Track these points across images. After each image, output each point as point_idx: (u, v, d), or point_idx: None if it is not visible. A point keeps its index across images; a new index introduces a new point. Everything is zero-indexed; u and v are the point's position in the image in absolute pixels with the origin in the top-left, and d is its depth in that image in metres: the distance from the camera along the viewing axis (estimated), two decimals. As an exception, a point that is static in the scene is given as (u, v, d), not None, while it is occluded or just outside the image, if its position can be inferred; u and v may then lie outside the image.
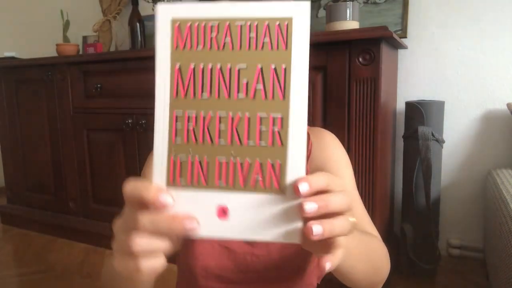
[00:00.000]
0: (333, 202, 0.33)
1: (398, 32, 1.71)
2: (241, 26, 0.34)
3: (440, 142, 1.54)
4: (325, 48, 1.36)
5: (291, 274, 0.69)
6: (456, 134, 1.71)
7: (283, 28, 0.34)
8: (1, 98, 2.33)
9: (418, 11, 1.71)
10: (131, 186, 0.33)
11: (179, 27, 0.35)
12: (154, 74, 0.35)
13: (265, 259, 0.67)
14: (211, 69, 0.35)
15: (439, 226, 1.63)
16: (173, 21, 0.35)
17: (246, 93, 0.35)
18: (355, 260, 0.47)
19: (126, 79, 1.86)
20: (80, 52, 2.34)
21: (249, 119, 0.35)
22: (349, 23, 1.48)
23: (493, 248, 1.26)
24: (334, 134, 0.74)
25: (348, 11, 1.49)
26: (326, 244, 0.35)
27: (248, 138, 0.35)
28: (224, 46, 0.34)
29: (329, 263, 0.34)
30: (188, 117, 0.35)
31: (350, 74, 1.34)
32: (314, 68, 1.39)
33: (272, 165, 0.34)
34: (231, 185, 0.35)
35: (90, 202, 2.09)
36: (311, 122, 1.41)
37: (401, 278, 1.57)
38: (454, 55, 1.68)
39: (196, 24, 0.35)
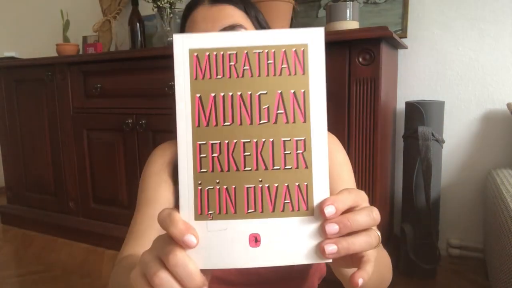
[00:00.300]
0: (357, 220, 0.34)
1: (398, 32, 1.71)
2: (259, 53, 0.35)
3: (440, 142, 1.54)
4: (325, 48, 1.36)
5: (293, 276, 0.69)
6: (456, 134, 1.71)
7: (300, 54, 0.35)
8: (1, 98, 2.33)
9: (418, 11, 1.71)
10: (161, 216, 0.33)
11: (197, 57, 0.35)
12: (175, 105, 0.35)
13: None
14: (232, 97, 0.35)
15: (439, 226, 1.63)
16: (191, 52, 0.35)
17: (268, 118, 0.35)
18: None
19: (126, 79, 1.86)
20: (80, 52, 2.34)
21: (272, 143, 0.35)
22: (349, 23, 1.48)
23: (493, 248, 1.26)
24: (334, 134, 0.74)
25: (348, 11, 1.49)
26: (356, 260, 0.36)
27: (273, 163, 0.35)
28: (243, 73, 0.35)
29: (361, 279, 0.35)
30: (212, 146, 0.35)
31: (350, 74, 1.34)
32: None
33: (299, 187, 0.35)
34: (260, 212, 0.35)
35: (90, 202, 2.09)
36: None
37: (401, 278, 1.57)
38: (454, 55, 1.68)
39: (214, 53, 0.35)
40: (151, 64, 1.77)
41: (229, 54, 0.35)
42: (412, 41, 1.72)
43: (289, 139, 0.35)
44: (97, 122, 1.99)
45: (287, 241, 0.34)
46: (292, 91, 0.35)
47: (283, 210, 0.35)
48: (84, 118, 2.03)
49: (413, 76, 1.76)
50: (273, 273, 0.67)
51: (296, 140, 0.35)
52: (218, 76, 0.35)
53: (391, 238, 1.73)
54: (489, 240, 1.43)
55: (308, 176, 0.35)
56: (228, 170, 0.35)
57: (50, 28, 2.65)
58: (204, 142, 0.35)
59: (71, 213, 2.16)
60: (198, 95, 0.35)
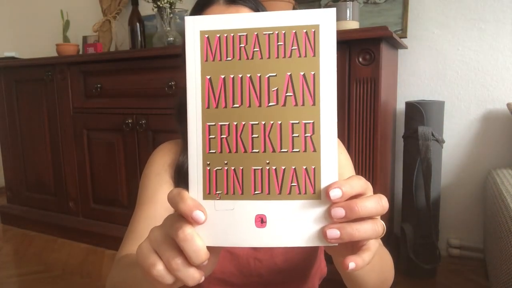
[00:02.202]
0: (365, 206, 0.33)
1: (398, 32, 1.70)
2: (269, 35, 0.35)
3: (440, 142, 1.54)
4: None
5: (294, 277, 0.69)
6: (456, 134, 1.71)
7: (311, 36, 0.35)
8: (1, 98, 2.33)
9: (418, 11, 1.71)
10: (171, 195, 0.34)
11: (208, 39, 0.35)
12: (186, 86, 0.35)
13: (268, 263, 0.66)
14: (241, 79, 0.35)
15: (439, 226, 1.63)
16: (202, 33, 0.35)
17: (277, 101, 0.35)
18: (370, 269, 0.47)
19: (126, 79, 1.86)
20: (80, 52, 2.34)
21: (280, 126, 0.35)
22: (349, 23, 1.48)
23: (493, 248, 1.26)
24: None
25: (348, 11, 1.49)
26: (357, 247, 0.36)
27: (281, 145, 0.35)
28: (253, 55, 0.35)
29: (353, 263, 0.34)
30: (221, 127, 0.35)
31: (350, 74, 1.34)
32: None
33: (306, 171, 0.35)
34: (267, 193, 0.35)
35: (90, 202, 2.09)
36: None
37: (401, 278, 1.57)
38: (454, 55, 1.68)
39: (225, 35, 0.35)
40: (151, 64, 1.77)
41: (239, 36, 0.35)
42: (412, 41, 1.72)
43: (297, 122, 0.35)
44: (97, 122, 1.99)
45: (293, 224, 0.35)
46: (302, 73, 0.35)
47: (289, 193, 0.35)
48: (84, 118, 2.03)
49: (413, 76, 1.76)
50: (275, 274, 0.67)
51: (305, 123, 0.35)
52: (228, 58, 0.35)
53: (391, 238, 1.73)
54: (489, 240, 1.43)
55: (316, 159, 0.35)
56: (236, 152, 0.35)
57: (50, 28, 2.65)
58: (213, 124, 0.35)
59: (71, 213, 2.16)
60: (208, 77, 0.35)
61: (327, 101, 0.35)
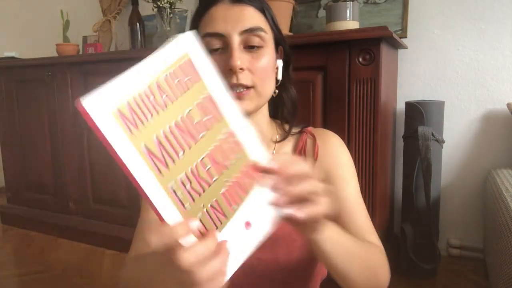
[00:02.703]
0: (287, 168, 0.41)
1: (398, 32, 1.70)
2: (164, 78, 0.35)
3: (440, 142, 1.54)
4: (325, 48, 1.36)
5: (297, 277, 0.69)
6: (456, 134, 1.71)
7: (191, 63, 0.38)
8: (1, 98, 2.33)
9: (418, 11, 1.71)
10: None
11: (121, 112, 0.32)
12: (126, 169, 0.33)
13: (271, 263, 0.66)
14: (170, 129, 0.35)
15: (439, 226, 1.63)
16: (115, 111, 0.32)
17: (204, 129, 0.38)
18: (344, 253, 0.51)
19: (126, 79, 1.86)
20: (80, 52, 2.34)
21: (219, 146, 0.39)
22: (349, 23, 1.48)
23: (493, 248, 1.26)
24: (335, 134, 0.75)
25: (348, 11, 1.49)
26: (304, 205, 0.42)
27: (226, 160, 0.40)
28: (165, 104, 0.35)
29: (289, 210, 0.41)
30: (181, 181, 0.36)
31: (350, 74, 1.34)
32: (314, 68, 1.39)
33: (249, 167, 0.41)
34: (240, 202, 0.40)
35: (90, 202, 2.09)
36: (311, 123, 1.41)
37: (401, 278, 1.57)
38: (454, 55, 1.68)
39: (132, 99, 0.33)
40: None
41: (144, 93, 0.34)
42: (412, 41, 1.72)
43: (223, 136, 0.39)
44: (97, 122, 1.99)
45: (263, 212, 0.41)
46: (203, 96, 0.38)
47: (252, 189, 0.41)
48: (84, 118, 2.02)
49: (413, 76, 1.76)
50: (277, 275, 0.67)
51: (227, 133, 0.40)
52: (149, 117, 0.34)
53: (391, 238, 1.73)
54: (489, 240, 1.43)
55: (247, 153, 0.41)
56: (204, 191, 0.37)
57: (50, 28, 2.65)
58: (173, 184, 0.35)
59: (71, 213, 2.15)
60: (142, 145, 0.33)
61: (227, 108, 0.40)
